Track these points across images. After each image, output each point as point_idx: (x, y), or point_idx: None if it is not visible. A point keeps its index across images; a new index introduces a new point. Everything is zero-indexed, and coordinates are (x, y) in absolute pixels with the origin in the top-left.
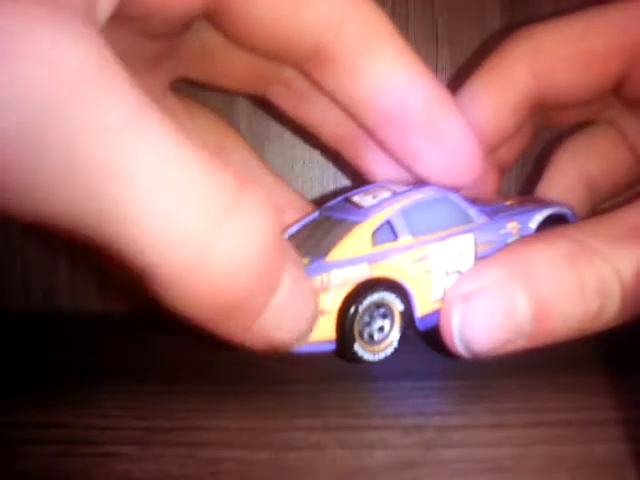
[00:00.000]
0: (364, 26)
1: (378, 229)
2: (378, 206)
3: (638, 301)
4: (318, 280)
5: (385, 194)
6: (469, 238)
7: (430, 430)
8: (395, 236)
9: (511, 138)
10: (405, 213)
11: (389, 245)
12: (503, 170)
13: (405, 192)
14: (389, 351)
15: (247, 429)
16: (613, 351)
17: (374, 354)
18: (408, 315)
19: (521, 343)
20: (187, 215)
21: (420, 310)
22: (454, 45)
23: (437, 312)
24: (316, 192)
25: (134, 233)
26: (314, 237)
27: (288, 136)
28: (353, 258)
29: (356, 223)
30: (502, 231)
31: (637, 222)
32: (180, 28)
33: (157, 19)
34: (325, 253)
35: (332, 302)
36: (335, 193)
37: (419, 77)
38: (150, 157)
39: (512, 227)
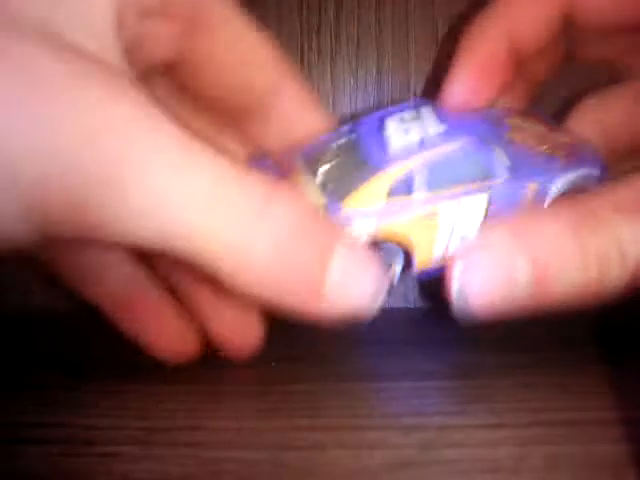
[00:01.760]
0: (298, 91)
1: (397, 181)
2: (404, 155)
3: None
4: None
5: (415, 134)
6: (483, 198)
7: (430, 430)
8: (410, 189)
9: (543, 51)
10: (428, 167)
11: (402, 199)
12: (534, 83)
13: (438, 139)
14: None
15: (247, 429)
16: (613, 351)
17: None
18: (406, 270)
19: (520, 303)
20: (229, 224)
21: (419, 266)
22: (454, 45)
23: (436, 268)
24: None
25: (199, 246)
26: (338, 168)
27: None
28: (365, 210)
29: (378, 169)
30: (521, 191)
31: (637, 196)
32: (147, 71)
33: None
34: (341, 198)
35: None
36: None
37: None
38: (200, 184)
39: (531, 188)
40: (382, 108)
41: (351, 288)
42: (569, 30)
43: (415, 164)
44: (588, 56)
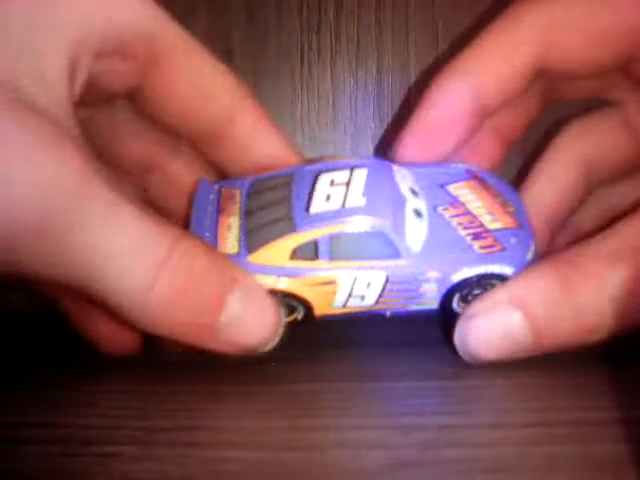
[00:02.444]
0: (254, 117)
1: (302, 245)
2: (316, 222)
3: (629, 315)
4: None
5: (336, 202)
6: (381, 275)
7: (430, 430)
8: (315, 256)
9: (514, 106)
10: (334, 239)
11: (305, 264)
12: (507, 141)
13: (349, 214)
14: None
15: (247, 429)
16: (613, 351)
17: None
18: (307, 317)
19: (523, 350)
20: (135, 270)
21: (317, 312)
22: (454, 46)
23: (335, 315)
24: None
25: (112, 288)
26: (264, 216)
27: None
28: (267, 267)
29: (290, 231)
30: (420, 277)
31: (621, 245)
32: (108, 98)
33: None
34: (250, 250)
35: None
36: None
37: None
38: (121, 239)
39: (431, 275)
40: (324, 160)
41: (242, 332)
42: (544, 78)
43: (323, 234)
44: (569, 96)
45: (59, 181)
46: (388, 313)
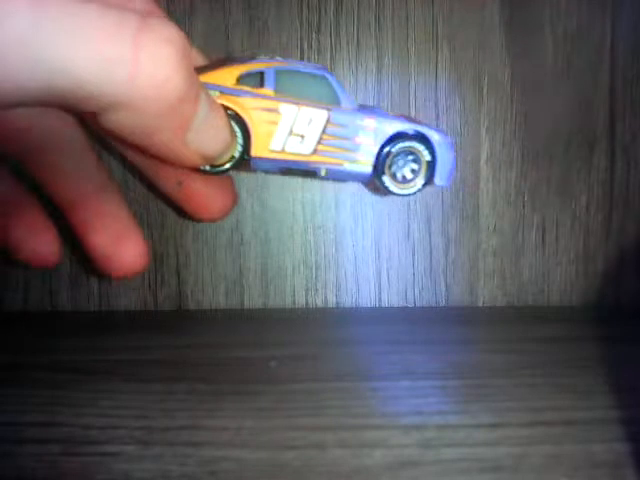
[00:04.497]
0: None
1: (248, 73)
2: (264, 59)
3: None
4: None
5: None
6: (323, 114)
7: (430, 429)
8: (260, 85)
9: None
10: (279, 72)
11: (249, 89)
12: None
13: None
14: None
15: (247, 429)
16: (613, 350)
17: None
18: (244, 152)
19: None
20: (106, 55)
21: (254, 151)
22: (454, 44)
23: (272, 160)
24: None
25: (81, 82)
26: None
27: None
28: (212, 84)
29: (238, 62)
30: (358, 122)
31: None
32: None
33: None
34: (199, 71)
35: None
36: None
37: None
38: (74, 33)
39: (369, 123)
40: None
41: (210, 134)
42: None
43: (267, 66)
44: None
45: None
46: (323, 171)
